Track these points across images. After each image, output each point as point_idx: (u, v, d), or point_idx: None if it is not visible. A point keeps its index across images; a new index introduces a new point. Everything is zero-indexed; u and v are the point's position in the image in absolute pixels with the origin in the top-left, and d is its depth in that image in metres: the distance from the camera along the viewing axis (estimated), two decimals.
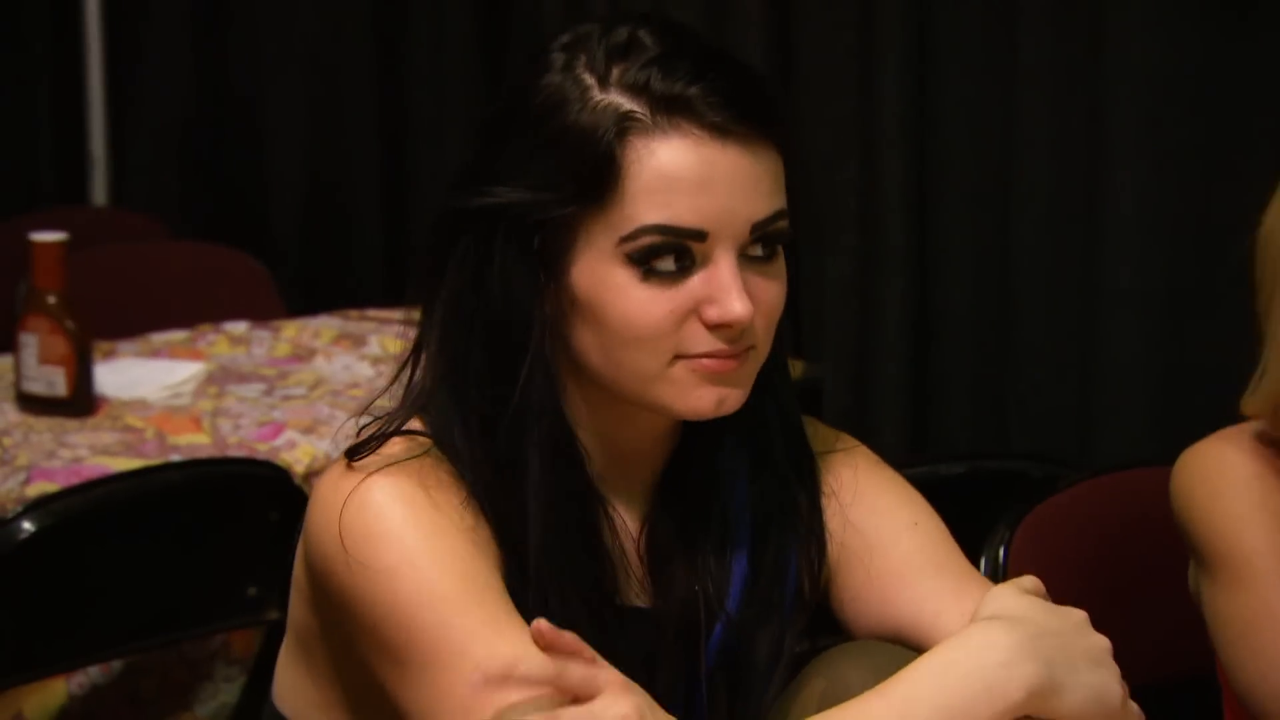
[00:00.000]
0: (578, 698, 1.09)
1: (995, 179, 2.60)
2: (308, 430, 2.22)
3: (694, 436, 1.28)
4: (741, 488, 1.29)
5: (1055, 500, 1.76)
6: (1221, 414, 2.40)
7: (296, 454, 2.15)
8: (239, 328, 2.69)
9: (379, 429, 1.23)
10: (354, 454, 1.21)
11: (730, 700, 1.28)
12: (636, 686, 1.12)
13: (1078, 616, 1.21)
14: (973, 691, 1.13)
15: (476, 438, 1.21)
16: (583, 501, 1.24)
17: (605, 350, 1.19)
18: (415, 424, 1.24)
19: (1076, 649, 1.18)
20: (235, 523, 1.98)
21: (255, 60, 3.58)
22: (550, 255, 1.19)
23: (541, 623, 1.11)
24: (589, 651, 1.11)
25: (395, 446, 1.21)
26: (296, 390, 2.41)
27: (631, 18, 1.21)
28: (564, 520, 1.21)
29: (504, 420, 1.20)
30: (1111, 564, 1.73)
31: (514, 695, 1.10)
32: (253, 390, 2.40)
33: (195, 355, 2.55)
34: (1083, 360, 2.54)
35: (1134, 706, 1.20)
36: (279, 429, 2.23)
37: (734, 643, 1.27)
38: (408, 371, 1.26)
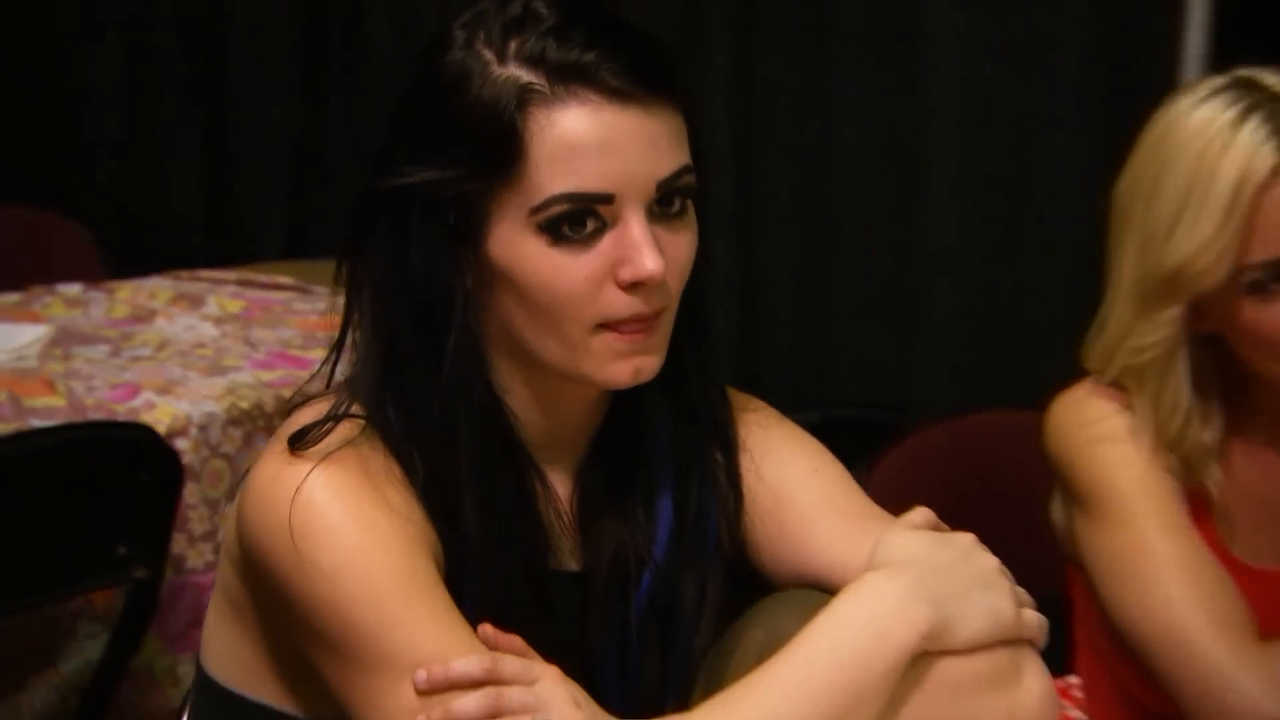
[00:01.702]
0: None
1: (818, 141, 2.69)
2: (164, 391, 2.24)
3: (623, 399, 1.32)
4: (665, 437, 1.33)
5: (905, 444, 1.87)
6: (1029, 364, 2.56)
7: (156, 414, 2.16)
8: (73, 289, 2.67)
9: (319, 417, 1.23)
10: (295, 442, 1.21)
11: (661, 644, 1.32)
12: (571, 681, 1.16)
13: (965, 541, 1.24)
14: (866, 642, 1.16)
15: (410, 414, 1.23)
16: (515, 470, 1.26)
17: (528, 319, 1.22)
18: (352, 406, 1.25)
19: (964, 577, 1.21)
20: (105, 484, 1.98)
21: (68, 20, 3.52)
22: (466, 230, 1.21)
23: (486, 627, 1.16)
24: (531, 652, 1.16)
25: (333, 432, 1.22)
26: (143, 350, 2.41)
27: None
28: (497, 489, 1.24)
29: (435, 394, 1.22)
30: (962, 501, 1.83)
31: (455, 690, 1.12)
32: (99, 351, 2.40)
33: (33, 317, 2.53)
34: (900, 316, 2.67)
35: (1031, 615, 1.23)
36: (134, 390, 2.24)
37: (662, 589, 1.31)
38: (337, 352, 1.27)
